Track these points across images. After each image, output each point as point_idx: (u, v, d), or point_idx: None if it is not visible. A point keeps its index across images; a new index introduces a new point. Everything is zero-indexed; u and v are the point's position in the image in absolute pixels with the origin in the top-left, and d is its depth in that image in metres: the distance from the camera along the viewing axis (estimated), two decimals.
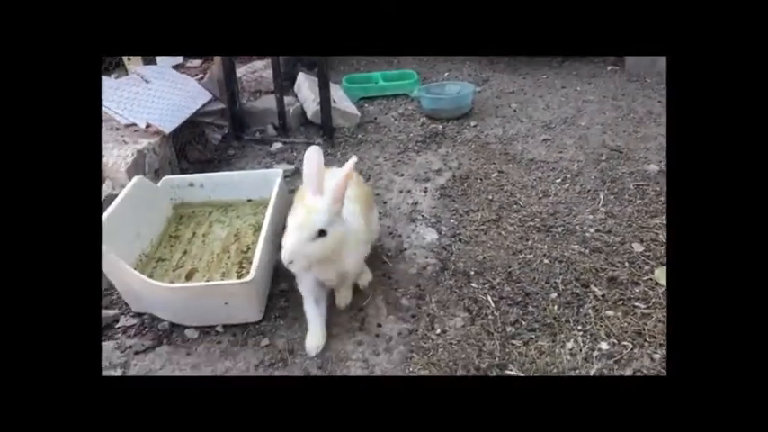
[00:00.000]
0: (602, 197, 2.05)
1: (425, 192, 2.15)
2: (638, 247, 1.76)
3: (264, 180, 1.85)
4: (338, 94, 2.90)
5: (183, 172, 2.26)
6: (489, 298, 1.56)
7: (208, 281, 1.57)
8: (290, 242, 1.24)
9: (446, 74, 3.44)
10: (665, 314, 1.47)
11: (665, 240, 1.78)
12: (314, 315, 1.45)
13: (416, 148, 2.53)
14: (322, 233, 1.26)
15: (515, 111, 2.86)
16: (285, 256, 1.24)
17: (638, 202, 2.02)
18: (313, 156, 1.31)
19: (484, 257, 1.73)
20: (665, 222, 1.89)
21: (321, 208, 1.26)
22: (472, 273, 1.66)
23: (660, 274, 1.63)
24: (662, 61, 3.20)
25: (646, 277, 1.63)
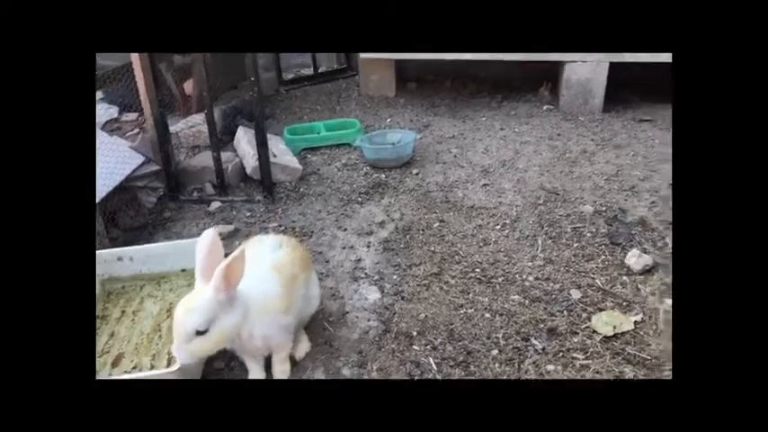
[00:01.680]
0: (540, 243, 2.13)
1: (368, 246, 2.17)
2: (575, 294, 1.83)
3: None
4: (279, 147, 2.92)
5: (113, 241, 2.20)
6: (431, 360, 1.57)
7: (135, 366, 1.51)
8: (173, 343, 1.24)
9: (388, 120, 3.53)
10: (603, 364, 1.53)
11: (601, 285, 1.87)
12: (251, 363, 1.49)
13: (359, 199, 2.56)
14: (200, 332, 1.22)
15: (456, 156, 2.96)
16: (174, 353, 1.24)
17: (575, 245, 2.11)
18: (205, 240, 1.28)
19: (426, 316, 1.75)
20: (600, 266, 1.98)
21: (199, 305, 1.21)
22: (414, 333, 1.68)
23: (597, 322, 1.70)
24: (594, 100, 3.41)
25: (584, 325, 1.69)
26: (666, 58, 3.18)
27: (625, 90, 3.66)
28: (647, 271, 1.91)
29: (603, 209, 2.35)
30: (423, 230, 2.26)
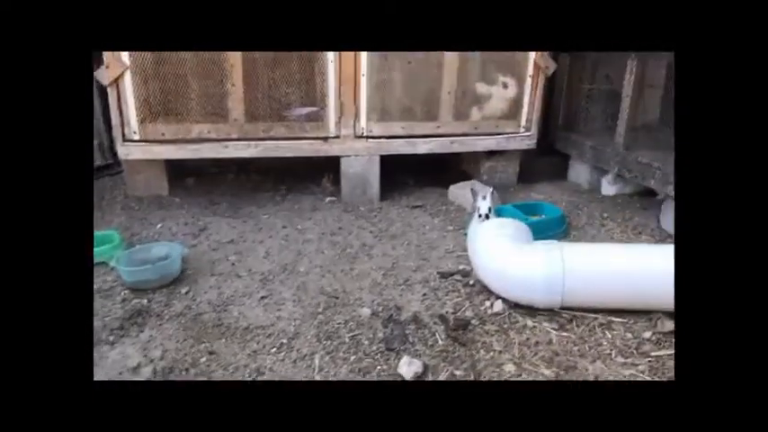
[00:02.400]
0: (317, 362, 2.05)
1: None
2: None
3: None
4: None
5: None
6: None
7: None
8: None
9: (159, 225, 3.22)
10: None
11: None
12: None
13: (111, 338, 2.19)
14: None
15: (233, 264, 2.79)
16: None
17: (353, 358, 2.07)
18: None
19: None
20: (376, 380, 1.96)
21: None
22: None
23: None
24: (371, 190, 3.60)
25: None
26: (426, 149, 3.55)
27: (401, 174, 3.99)
28: (418, 378, 1.95)
29: (380, 309, 2.40)
30: (187, 370, 2.00)
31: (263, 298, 2.49)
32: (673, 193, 2.87)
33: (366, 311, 2.38)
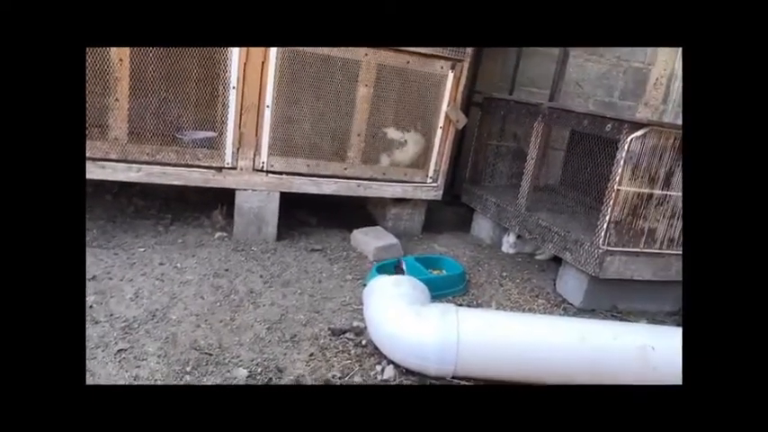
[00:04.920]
0: None
1: None
2: None
3: None
4: None
5: None
6: None
7: None
8: None
9: None
10: None
11: None
12: None
13: None
14: None
15: (91, 306, 2.43)
16: None
17: None
18: None
19: None
20: None
21: None
22: None
23: None
24: (267, 228, 3.38)
25: None
26: (331, 190, 3.41)
27: (303, 211, 3.82)
28: None
29: (259, 370, 2.18)
30: None
31: (120, 351, 2.16)
32: (570, 258, 2.97)
33: (242, 373, 2.14)
